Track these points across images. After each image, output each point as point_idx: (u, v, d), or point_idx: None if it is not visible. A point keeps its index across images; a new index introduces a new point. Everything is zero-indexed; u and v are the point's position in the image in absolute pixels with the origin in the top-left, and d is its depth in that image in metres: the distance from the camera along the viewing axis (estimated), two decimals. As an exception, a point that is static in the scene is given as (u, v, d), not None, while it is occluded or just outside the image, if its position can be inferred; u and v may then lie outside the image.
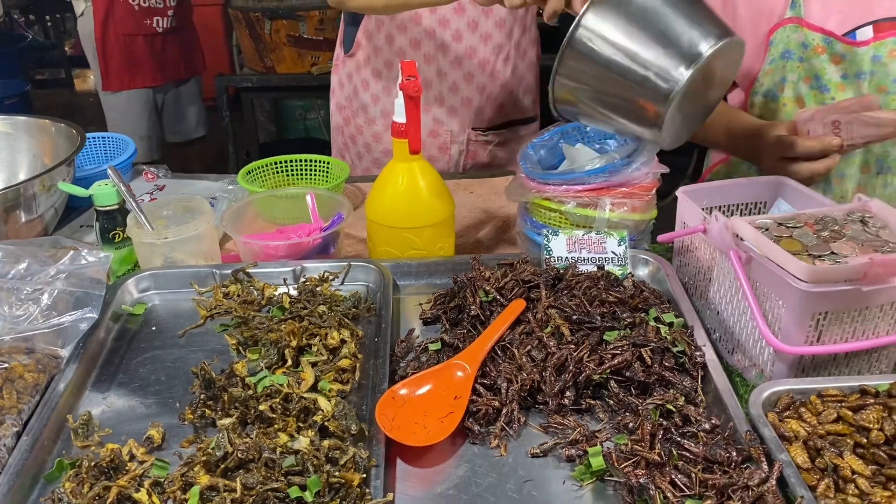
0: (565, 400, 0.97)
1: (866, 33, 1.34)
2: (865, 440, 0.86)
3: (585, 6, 1.09)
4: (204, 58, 3.60)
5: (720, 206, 1.26)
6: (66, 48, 6.07)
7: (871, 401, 0.91)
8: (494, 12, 1.65)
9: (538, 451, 0.93)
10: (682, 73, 1.08)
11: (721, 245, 1.07)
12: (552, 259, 1.22)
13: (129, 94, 3.28)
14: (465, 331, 1.10)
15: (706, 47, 1.09)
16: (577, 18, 1.10)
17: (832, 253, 0.99)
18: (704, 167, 1.72)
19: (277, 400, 0.95)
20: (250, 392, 0.95)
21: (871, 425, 0.87)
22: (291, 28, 3.10)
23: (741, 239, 1.03)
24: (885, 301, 0.97)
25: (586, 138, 1.41)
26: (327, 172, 1.65)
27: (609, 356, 0.99)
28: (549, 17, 1.18)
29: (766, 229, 1.05)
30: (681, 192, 1.20)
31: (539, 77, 1.87)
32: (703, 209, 1.20)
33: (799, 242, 1.01)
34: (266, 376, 0.99)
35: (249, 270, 1.21)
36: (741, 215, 1.27)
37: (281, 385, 0.97)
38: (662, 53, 1.09)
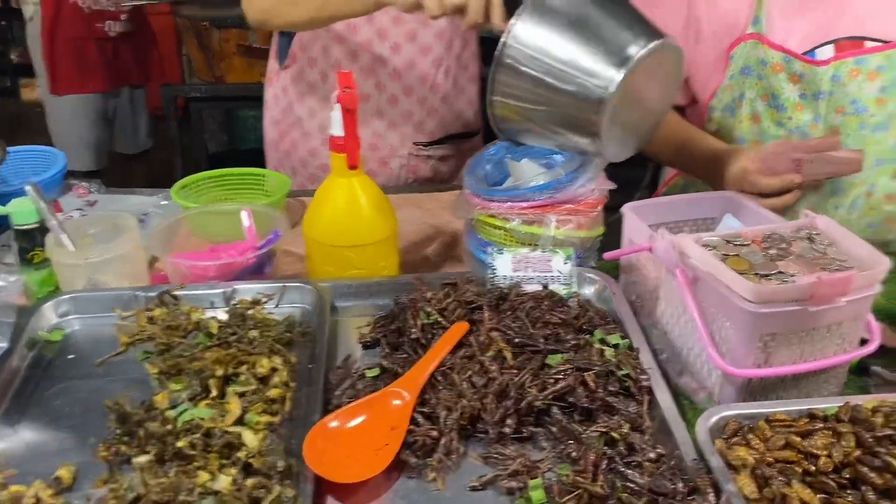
0: (506, 428, 0.92)
1: (826, 52, 1.30)
2: (814, 468, 0.83)
3: (513, 20, 1.06)
4: (162, 67, 3.53)
5: (668, 223, 1.23)
6: (13, 56, 5.88)
7: (820, 425, 0.88)
8: (433, 24, 1.61)
9: (478, 483, 0.88)
10: (614, 77, 1.08)
11: (667, 263, 1.04)
12: (497, 278, 1.17)
13: (77, 100, 3.17)
14: (405, 355, 1.05)
15: (636, 50, 1.08)
16: (504, 33, 1.08)
17: (779, 272, 0.96)
18: (660, 181, 1.69)
19: (198, 435, 0.88)
20: (169, 427, 0.89)
21: (820, 452, 0.84)
22: (241, 37, 3.03)
23: (688, 257, 1.00)
24: (832, 321, 0.95)
25: (532, 153, 1.36)
26: (265, 186, 1.58)
27: (552, 381, 0.95)
28: (469, 27, 1.17)
29: (714, 247, 1.02)
30: (627, 209, 1.16)
31: (481, 91, 1.83)
32: (650, 226, 1.18)
33: (746, 261, 0.98)
34: (187, 409, 0.92)
35: (176, 293, 1.14)
36: (689, 232, 1.24)
37: (202, 419, 0.90)
38: (593, 60, 1.09)
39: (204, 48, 3.11)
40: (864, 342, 1.02)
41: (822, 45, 1.30)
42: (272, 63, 1.78)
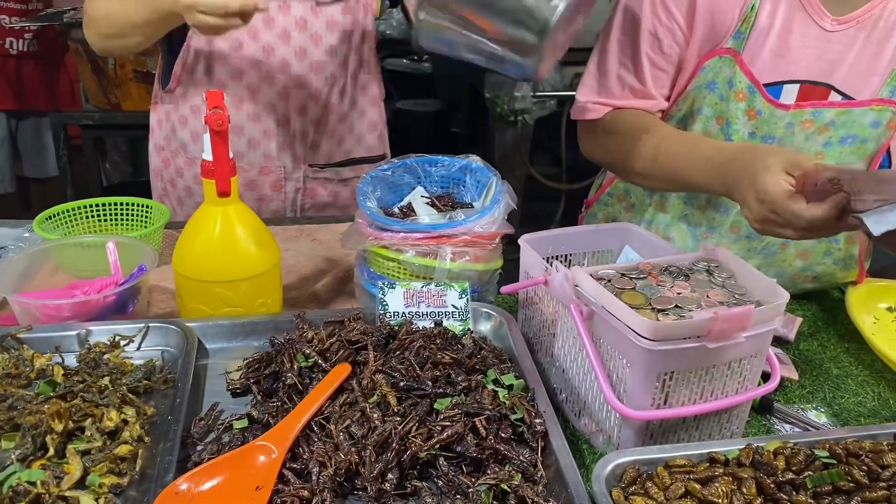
0: (386, 484, 0.83)
1: (792, 92, 1.23)
2: (714, 518, 0.77)
3: None
4: (74, 93, 3.35)
5: (566, 255, 1.17)
6: None
7: (720, 471, 0.82)
8: (323, 40, 1.54)
9: (352, 549, 0.78)
10: None
11: (562, 298, 0.98)
12: (387, 314, 1.09)
13: None
14: (279, 403, 0.95)
15: None
16: None
17: (676, 307, 0.91)
18: (593, 191, 1.60)
19: (25, 502, 0.75)
20: (-9, 494, 0.76)
21: (720, 500, 0.78)
22: (138, 64, 2.87)
23: (582, 291, 0.94)
24: (732, 358, 0.90)
25: (428, 177, 1.30)
26: (147, 217, 1.46)
27: (438, 429, 0.87)
28: None
29: (609, 280, 0.97)
30: (523, 241, 1.10)
31: (385, 116, 1.76)
32: (547, 258, 1.12)
33: (642, 295, 0.93)
34: (16, 471, 0.79)
35: (21, 336, 1.00)
36: (588, 264, 1.19)
37: (33, 483, 0.77)
38: None
39: (98, 73, 2.93)
40: (766, 378, 0.98)
41: (790, 81, 1.23)
42: (156, 86, 1.67)
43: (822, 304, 1.36)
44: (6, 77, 3.14)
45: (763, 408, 1.06)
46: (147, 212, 1.47)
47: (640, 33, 1.27)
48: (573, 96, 1.41)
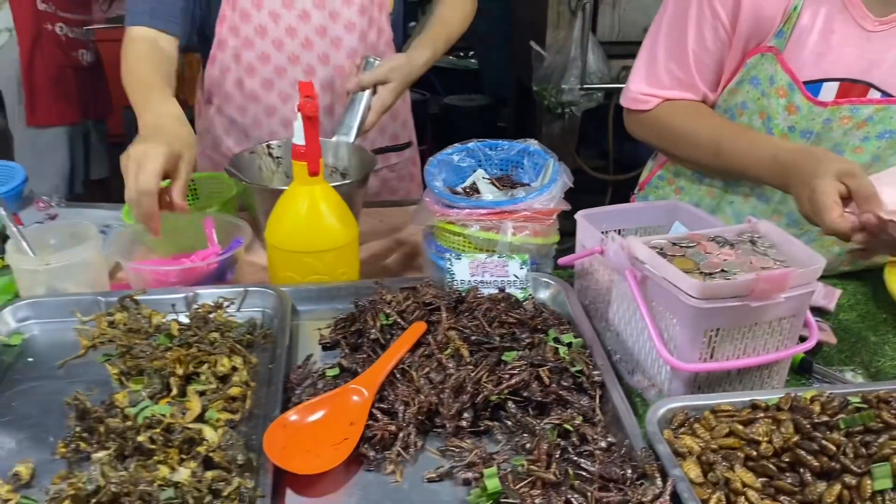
0: (463, 422, 0.95)
1: (831, 90, 1.29)
2: (755, 453, 0.87)
3: None
4: (111, 98, 3.51)
5: (619, 230, 1.27)
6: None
7: (762, 415, 0.92)
8: (343, 43, 1.67)
9: (434, 475, 0.90)
10: None
11: (618, 266, 1.08)
12: (455, 282, 1.21)
13: (56, 131, 3.11)
14: (364, 355, 1.07)
15: None
16: None
17: (722, 271, 1.01)
18: (644, 174, 1.66)
19: (158, 430, 0.89)
20: (129, 423, 0.90)
21: (761, 438, 0.88)
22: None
23: (637, 259, 1.04)
24: (772, 317, 0.99)
25: (488, 160, 1.41)
26: (220, 192, 1.59)
27: (507, 376, 0.98)
28: None
29: (661, 249, 1.07)
30: (580, 216, 1.21)
31: (410, 104, 1.89)
32: (602, 232, 1.22)
33: (691, 261, 1.03)
34: (147, 406, 0.93)
35: (138, 297, 1.15)
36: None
37: (163, 415, 0.91)
38: None
39: (166, 72, 3.10)
40: (804, 340, 1.07)
41: (830, 79, 1.28)
42: (199, 94, 1.81)
43: (861, 279, 1.44)
44: (80, 89, 3.18)
45: (802, 368, 1.14)
46: (219, 185, 1.60)
47: (687, 28, 1.35)
48: (620, 88, 1.51)
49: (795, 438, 0.87)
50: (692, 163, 1.42)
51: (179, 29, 1.53)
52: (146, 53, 1.48)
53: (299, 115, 1.15)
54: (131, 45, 1.50)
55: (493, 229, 1.24)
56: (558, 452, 0.89)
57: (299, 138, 1.17)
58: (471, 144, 1.42)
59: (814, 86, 1.30)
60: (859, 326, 1.28)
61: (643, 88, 1.43)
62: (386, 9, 1.72)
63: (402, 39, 1.81)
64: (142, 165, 1.13)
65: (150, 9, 1.50)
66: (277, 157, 1.57)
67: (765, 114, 1.35)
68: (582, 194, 1.36)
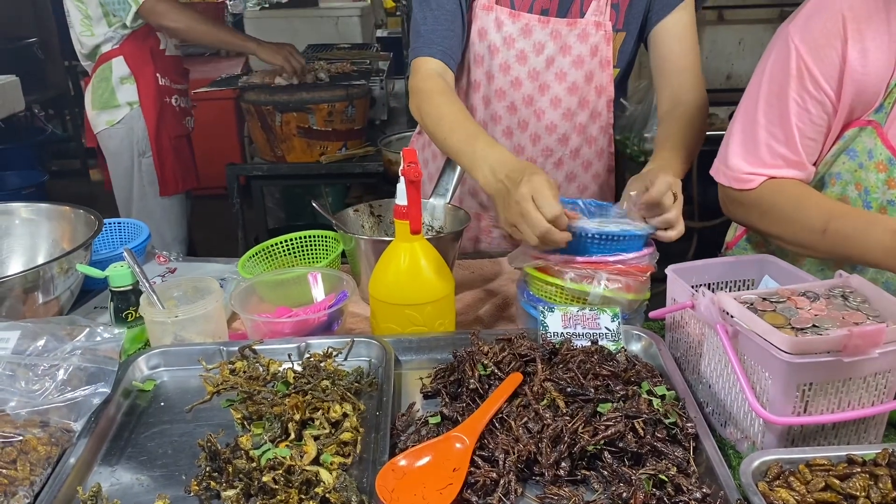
0: (561, 471, 1.00)
1: None
2: (853, 508, 0.88)
3: None
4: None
5: (708, 284, 1.30)
6: (84, 140, 6.28)
7: (858, 469, 0.93)
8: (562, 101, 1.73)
9: (534, 521, 0.95)
10: None
11: (709, 320, 1.11)
12: (548, 334, 1.26)
13: (173, 199, 3.26)
14: (464, 404, 1.14)
15: None
16: None
17: (814, 326, 1.03)
18: (731, 234, 1.66)
19: (280, 472, 0.97)
20: (254, 464, 0.98)
21: (858, 493, 0.89)
22: (301, 120, 3.22)
23: (727, 313, 1.08)
24: (867, 372, 1.01)
25: (591, 217, 1.44)
26: (326, 247, 1.70)
27: (602, 427, 1.02)
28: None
29: (751, 304, 1.10)
30: (670, 270, 1.25)
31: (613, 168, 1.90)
32: (692, 286, 1.26)
33: (782, 316, 1.06)
34: (269, 449, 1.02)
35: (255, 347, 1.25)
36: (729, 292, 1.32)
37: (284, 457, 1.00)
38: None
39: (266, 130, 3.31)
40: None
41: None
42: (417, 126, 1.99)
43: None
44: (192, 156, 3.37)
45: (902, 423, 1.14)
46: (325, 241, 1.70)
47: (788, 104, 1.32)
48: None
49: (894, 494, 0.88)
50: (796, 245, 1.36)
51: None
52: (443, 89, 1.57)
53: (402, 178, 1.24)
54: (429, 79, 1.58)
55: (586, 279, 1.29)
56: (654, 502, 0.93)
57: (402, 199, 1.26)
58: (579, 200, 1.41)
59: None
60: (961, 381, 1.26)
61: (744, 167, 1.39)
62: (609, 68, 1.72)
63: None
64: (538, 196, 1.21)
65: (443, 49, 1.61)
66: (378, 216, 1.68)
67: (861, 185, 1.33)
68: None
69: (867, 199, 1.33)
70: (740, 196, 1.41)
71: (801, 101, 1.31)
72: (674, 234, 1.31)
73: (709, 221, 3.50)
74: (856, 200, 1.34)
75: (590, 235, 1.28)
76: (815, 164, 1.38)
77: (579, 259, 1.28)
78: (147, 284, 1.33)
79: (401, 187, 1.25)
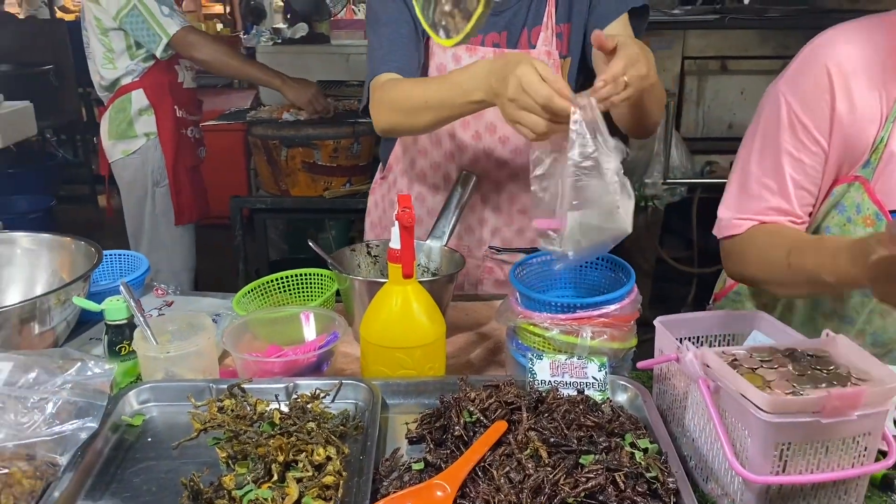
0: (540, 522, 1.00)
1: None
2: (828, 571, 0.89)
3: None
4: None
5: (697, 337, 1.32)
6: (94, 167, 6.36)
7: (836, 532, 0.93)
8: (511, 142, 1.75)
9: (511, 573, 0.95)
10: None
11: (692, 374, 1.12)
12: (536, 382, 1.27)
13: (184, 228, 3.30)
14: (448, 451, 1.14)
15: None
16: None
17: (794, 386, 1.04)
18: (719, 285, 1.69)
19: (261, 513, 0.98)
20: (235, 505, 0.99)
21: (835, 556, 0.90)
22: (306, 155, 3.27)
23: (709, 368, 1.09)
24: (847, 434, 1.01)
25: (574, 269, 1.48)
26: (322, 286, 1.71)
27: (584, 479, 1.03)
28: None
29: (736, 359, 1.11)
30: (658, 322, 1.26)
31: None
32: (679, 339, 1.27)
33: (759, 377, 1.06)
34: (252, 490, 1.02)
35: (244, 386, 1.26)
36: (718, 345, 1.33)
37: (265, 499, 1.00)
38: None
39: (272, 163, 3.36)
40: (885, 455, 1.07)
41: None
42: (378, 173, 2.00)
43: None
44: (203, 186, 3.43)
45: (885, 485, 1.14)
46: (321, 280, 1.72)
47: (781, 155, 1.34)
48: (703, 183, 1.53)
49: (869, 559, 0.88)
50: (775, 284, 1.38)
51: None
52: (401, 78, 1.59)
53: (397, 223, 1.27)
54: (385, 81, 1.59)
55: (572, 333, 1.31)
56: (631, 558, 0.93)
57: (395, 243, 1.29)
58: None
59: None
60: (946, 443, 1.26)
61: (735, 215, 1.41)
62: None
63: None
64: (524, 78, 1.19)
65: (399, 66, 1.63)
66: (375, 256, 1.70)
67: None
68: (665, 283, 1.39)
69: None
70: (730, 245, 1.43)
71: (794, 151, 1.33)
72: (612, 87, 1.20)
73: (708, 268, 3.52)
74: None
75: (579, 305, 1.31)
76: (809, 216, 1.40)
77: (563, 316, 1.30)
78: (142, 319, 1.35)
79: (395, 231, 1.28)
